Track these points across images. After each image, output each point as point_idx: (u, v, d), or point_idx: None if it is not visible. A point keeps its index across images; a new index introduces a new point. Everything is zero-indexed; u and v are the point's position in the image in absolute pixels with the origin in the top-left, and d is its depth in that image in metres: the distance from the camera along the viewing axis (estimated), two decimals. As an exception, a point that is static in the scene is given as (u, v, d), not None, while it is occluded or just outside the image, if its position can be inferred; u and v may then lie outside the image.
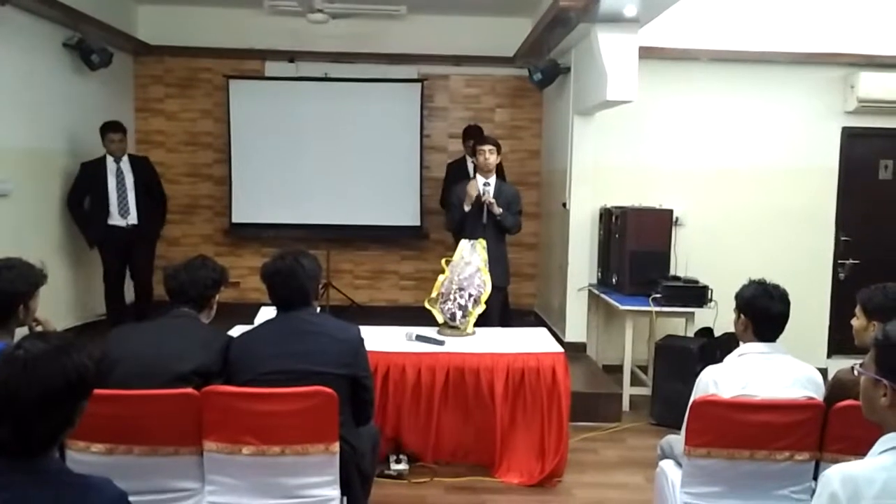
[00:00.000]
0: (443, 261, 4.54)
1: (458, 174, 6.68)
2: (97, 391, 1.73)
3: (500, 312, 5.03)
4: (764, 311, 2.75)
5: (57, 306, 5.59)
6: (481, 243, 4.49)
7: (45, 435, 1.58)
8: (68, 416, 1.62)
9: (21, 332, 2.52)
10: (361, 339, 2.90)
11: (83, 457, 2.54)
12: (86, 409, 1.67)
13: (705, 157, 6.35)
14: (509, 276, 5.38)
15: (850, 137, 6.39)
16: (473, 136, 6.26)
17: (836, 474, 1.61)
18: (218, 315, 3.06)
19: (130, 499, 1.64)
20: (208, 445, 2.63)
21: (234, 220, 7.37)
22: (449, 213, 5.39)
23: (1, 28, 5.18)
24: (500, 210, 4.98)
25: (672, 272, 5.66)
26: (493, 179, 5.12)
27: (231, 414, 2.62)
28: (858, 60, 6.13)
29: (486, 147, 5.07)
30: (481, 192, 5.01)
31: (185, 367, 2.66)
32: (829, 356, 6.31)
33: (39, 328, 2.69)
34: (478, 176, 5.14)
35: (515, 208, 5.15)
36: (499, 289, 4.74)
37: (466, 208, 5.02)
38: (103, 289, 6.05)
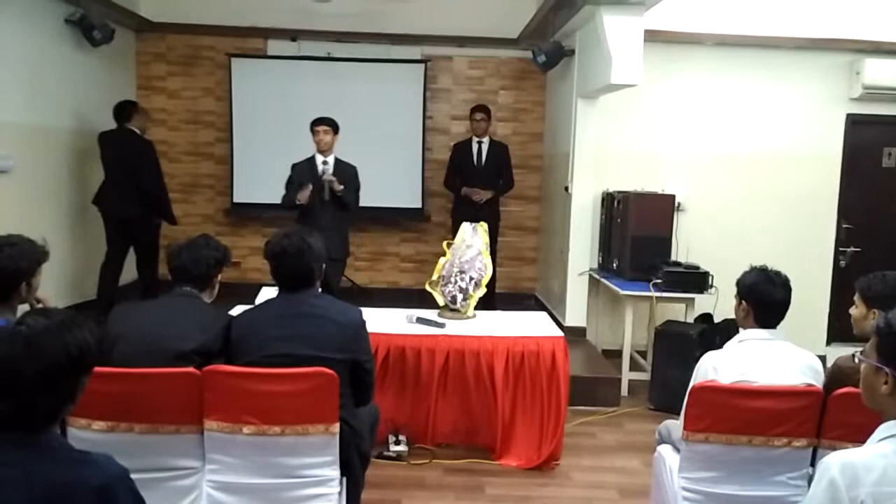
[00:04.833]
0: (444, 243, 4.53)
1: (462, 155, 6.67)
2: (99, 369, 1.73)
3: (338, 285, 5.25)
4: (765, 298, 2.75)
5: (58, 284, 5.60)
6: (483, 226, 4.48)
7: (46, 410, 1.59)
8: (70, 391, 1.62)
9: (23, 309, 2.51)
10: (363, 322, 2.89)
11: (84, 434, 2.55)
12: (87, 386, 1.68)
13: (708, 142, 6.33)
14: (348, 248, 5.46)
15: (855, 124, 6.36)
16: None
17: (836, 461, 1.62)
18: (218, 295, 3.05)
19: (131, 476, 1.64)
20: (209, 424, 2.63)
21: (236, 199, 7.36)
22: (286, 194, 5.29)
23: (3, 4, 5.14)
24: (342, 187, 5.09)
25: (673, 258, 5.66)
26: (331, 158, 5.24)
27: (232, 394, 2.62)
28: (864, 47, 6.10)
29: (321, 128, 5.19)
30: (320, 171, 5.17)
31: (187, 347, 2.66)
32: (828, 343, 6.32)
33: (40, 305, 2.69)
34: (316, 155, 5.25)
35: (353, 185, 5.26)
36: (335, 260, 4.82)
37: (298, 201, 5.08)
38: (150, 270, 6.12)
